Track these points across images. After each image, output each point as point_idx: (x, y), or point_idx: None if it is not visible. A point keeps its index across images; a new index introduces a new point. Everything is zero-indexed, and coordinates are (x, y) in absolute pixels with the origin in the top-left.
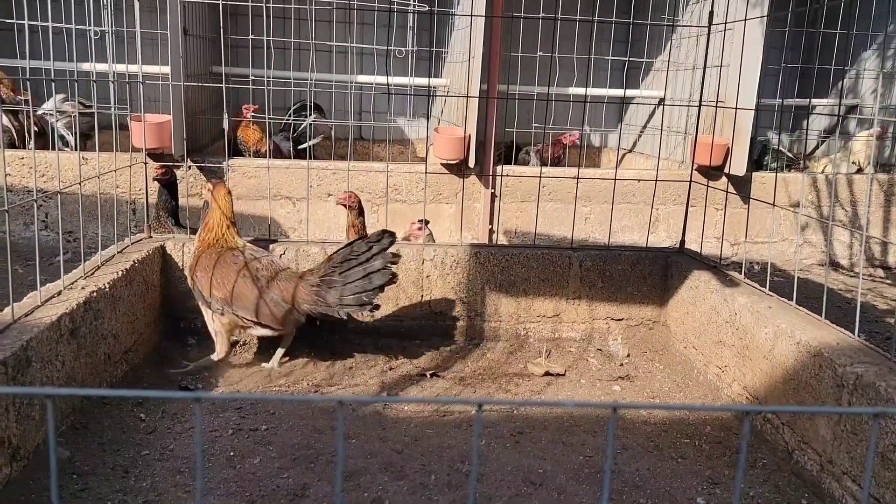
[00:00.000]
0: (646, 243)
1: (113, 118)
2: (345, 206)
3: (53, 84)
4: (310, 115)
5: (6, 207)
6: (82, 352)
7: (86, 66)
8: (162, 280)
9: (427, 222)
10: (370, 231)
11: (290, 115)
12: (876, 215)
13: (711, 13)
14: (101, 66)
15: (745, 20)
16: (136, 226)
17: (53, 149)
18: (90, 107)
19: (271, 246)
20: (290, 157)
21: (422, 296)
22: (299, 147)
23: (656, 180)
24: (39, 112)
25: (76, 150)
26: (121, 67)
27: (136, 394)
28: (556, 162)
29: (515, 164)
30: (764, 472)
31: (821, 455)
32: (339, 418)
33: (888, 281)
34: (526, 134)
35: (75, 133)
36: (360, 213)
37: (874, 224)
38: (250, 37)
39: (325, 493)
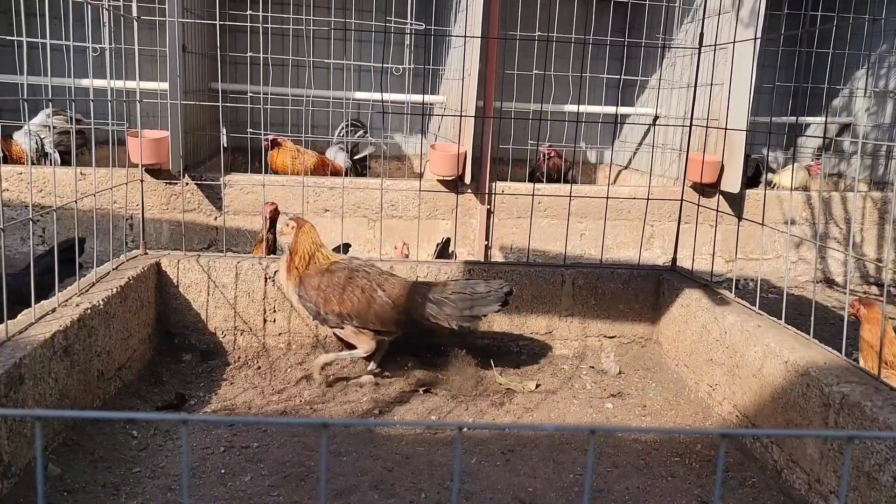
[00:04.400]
0: (638, 260)
1: (110, 134)
2: (267, 217)
3: (50, 102)
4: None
5: (2, 226)
6: (75, 369)
7: (85, 83)
8: (157, 296)
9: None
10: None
11: (343, 131)
12: (870, 233)
13: (701, 35)
14: (100, 83)
15: (734, 42)
16: (133, 241)
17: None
18: (79, 121)
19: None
20: (345, 170)
21: None
22: (355, 158)
23: (648, 198)
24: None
25: (70, 164)
26: (119, 84)
27: (123, 416)
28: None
29: None
30: (753, 492)
31: (809, 474)
32: (324, 442)
33: (882, 298)
34: (521, 150)
35: (72, 147)
36: (272, 226)
37: (868, 242)
38: (248, 54)
39: None
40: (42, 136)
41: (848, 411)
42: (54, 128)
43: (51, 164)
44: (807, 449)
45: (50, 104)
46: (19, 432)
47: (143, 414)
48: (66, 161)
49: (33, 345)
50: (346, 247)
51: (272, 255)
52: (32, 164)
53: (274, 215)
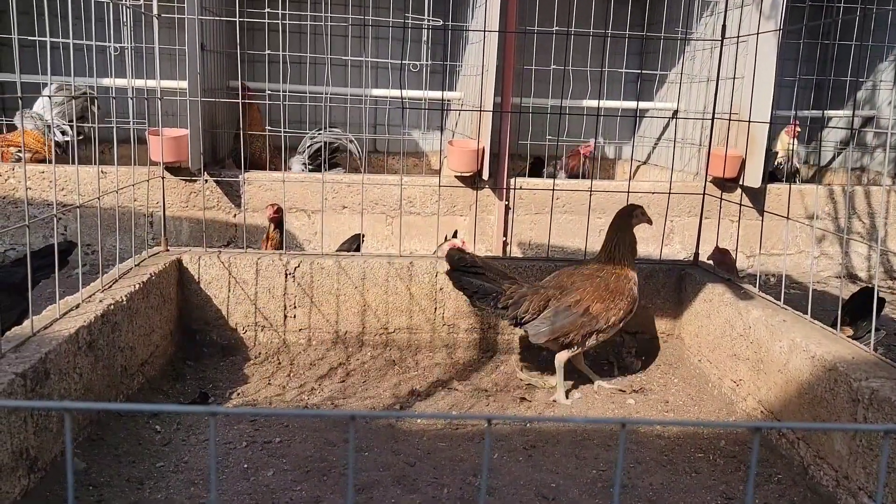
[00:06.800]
0: (659, 255)
1: (132, 133)
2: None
3: (74, 101)
4: (324, 134)
5: (27, 222)
6: (99, 364)
7: (105, 82)
8: (178, 293)
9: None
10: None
11: (311, 143)
12: (894, 227)
13: (724, 27)
14: (121, 82)
15: (758, 33)
16: (154, 238)
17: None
18: (80, 88)
19: None
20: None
21: (435, 308)
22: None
23: (669, 192)
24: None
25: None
26: (139, 83)
27: (152, 408)
28: (577, 174)
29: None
30: (779, 488)
31: (836, 470)
32: (352, 433)
33: None
34: (540, 146)
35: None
36: (278, 226)
37: (892, 236)
38: (266, 52)
39: None
40: (46, 116)
41: (877, 406)
42: (57, 103)
43: (61, 135)
44: (834, 445)
45: (49, 81)
46: (45, 427)
47: (171, 406)
48: (79, 132)
49: (58, 340)
50: (358, 238)
51: (291, 252)
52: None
53: (277, 214)
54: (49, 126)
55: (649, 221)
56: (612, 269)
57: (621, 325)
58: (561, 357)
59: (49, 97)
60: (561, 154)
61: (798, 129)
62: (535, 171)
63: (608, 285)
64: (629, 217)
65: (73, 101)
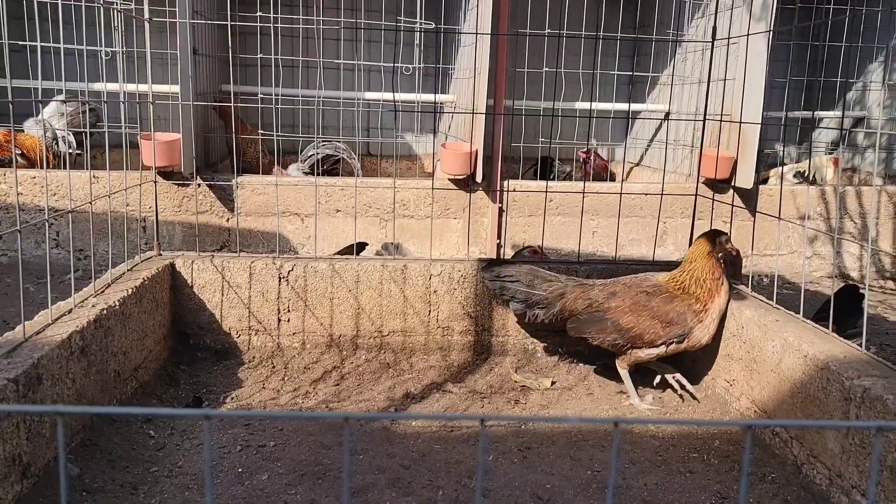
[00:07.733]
0: (653, 257)
1: (124, 137)
2: None
3: (66, 104)
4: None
5: (19, 227)
6: (92, 369)
7: (97, 87)
8: (171, 297)
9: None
10: None
11: (313, 153)
12: (885, 227)
13: (715, 28)
14: (112, 86)
15: (749, 35)
16: (147, 243)
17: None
18: (87, 103)
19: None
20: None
21: (429, 311)
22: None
23: (662, 194)
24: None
25: (84, 147)
26: (131, 87)
27: (145, 412)
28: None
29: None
30: (773, 487)
31: (829, 469)
32: (346, 435)
33: None
34: (533, 148)
35: (85, 124)
36: None
37: (883, 236)
38: (259, 55)
39: None
40: (55, 124)
41: (870, 405)
42: (67, 113)
43: (66, 147)
44: (827, 444)
45: (63, 91)
46: (38, 432)
47: (165, 410)
48: (81, 144)
49: (51, 345)
50: (362, 246)
51: (285, 255)
52: (47, 152)
53: None
54: (55, 136)
55: (733, 252)
56: (672, 291)
57: (666, 348)
58: (619, 364)
59: (62, 101)
60: (559, 156)
61: (840, 162)
62: (543, 173)
63: (648, 304)
64: (708, 243)
65: (84, 113)
